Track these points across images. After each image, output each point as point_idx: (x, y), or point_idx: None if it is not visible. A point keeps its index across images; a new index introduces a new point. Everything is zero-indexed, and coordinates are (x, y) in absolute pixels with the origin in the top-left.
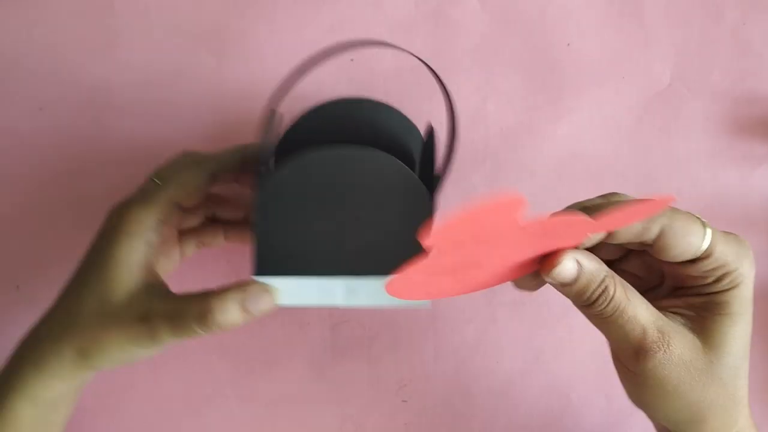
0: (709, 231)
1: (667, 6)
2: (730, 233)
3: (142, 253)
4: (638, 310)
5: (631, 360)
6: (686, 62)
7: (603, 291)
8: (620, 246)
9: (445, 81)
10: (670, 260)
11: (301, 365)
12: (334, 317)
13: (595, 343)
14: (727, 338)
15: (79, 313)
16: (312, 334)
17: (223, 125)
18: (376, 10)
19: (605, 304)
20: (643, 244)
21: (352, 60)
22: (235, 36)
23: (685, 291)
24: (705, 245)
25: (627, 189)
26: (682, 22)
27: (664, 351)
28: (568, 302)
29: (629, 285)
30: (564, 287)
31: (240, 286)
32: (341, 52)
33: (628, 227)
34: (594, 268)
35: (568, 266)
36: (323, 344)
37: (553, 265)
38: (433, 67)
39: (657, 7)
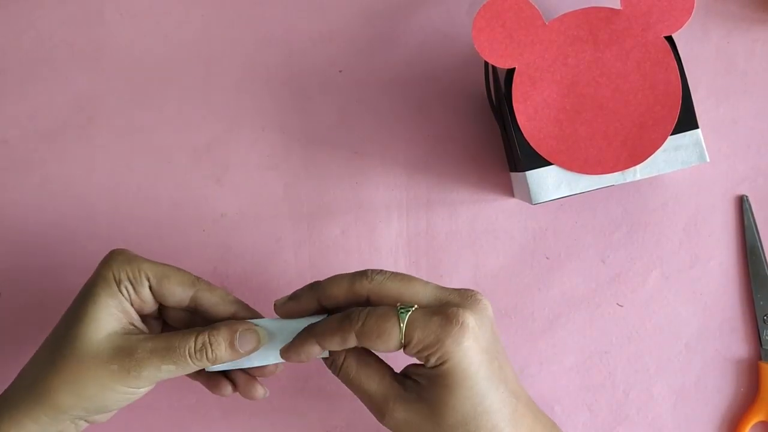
0: (405, 323)
1: None
2: (436, 313)
3: (122, 308)
4: (365, 381)
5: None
6: None
7: (332, 363)
8: None
9: None
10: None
11: (285, 376)
12: None
13: (579, 356)
14: (446, 408)
15: (53, 362)
16: None
17: (213, 134)
18: None
19: (336, 372)
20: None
21: (340, 71)
22: (223, 45)
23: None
24: (400, 340)
25: None
26: None
27: (390, 416)
28: (553, 315)
29: (366, 358)
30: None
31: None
32: None
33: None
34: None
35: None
36: None
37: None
38: None
39: None
